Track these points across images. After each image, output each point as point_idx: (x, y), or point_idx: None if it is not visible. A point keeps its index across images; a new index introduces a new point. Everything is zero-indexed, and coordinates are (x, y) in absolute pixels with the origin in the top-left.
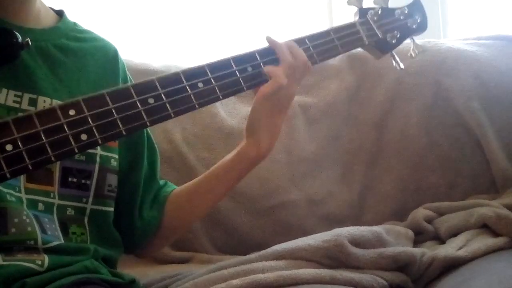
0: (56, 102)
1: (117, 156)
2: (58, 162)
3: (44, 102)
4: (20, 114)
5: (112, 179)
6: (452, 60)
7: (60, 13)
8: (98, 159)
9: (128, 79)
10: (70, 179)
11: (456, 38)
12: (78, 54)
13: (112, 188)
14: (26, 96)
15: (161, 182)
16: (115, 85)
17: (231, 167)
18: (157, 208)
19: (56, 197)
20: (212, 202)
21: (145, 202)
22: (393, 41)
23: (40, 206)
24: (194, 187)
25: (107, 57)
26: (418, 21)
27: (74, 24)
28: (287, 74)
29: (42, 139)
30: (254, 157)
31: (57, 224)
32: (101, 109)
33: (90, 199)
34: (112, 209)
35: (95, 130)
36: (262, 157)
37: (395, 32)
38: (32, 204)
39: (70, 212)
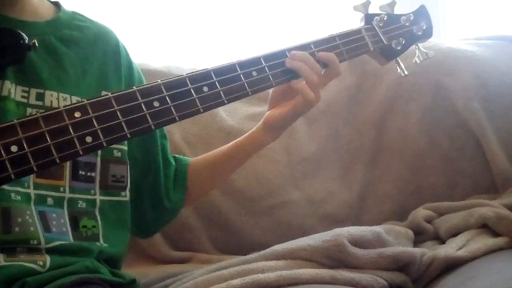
0: (63, 96)
1: (122, 147)
2: None
3: (51, 96)
4: (28, 108)
5: (116, 169)
6: (452, 60)
7: (56, 4)
8: (99, 151)
9: (133, 65)
10: (80, 172)
11: (456, 38)
12: (81, 45)
13: (117, 178)
14: (33, 91)
15: (171, 159)
16: (118, 73)
17: (244, 149)
18: (180, 187)
19: (67, 191)
20: (230, 172)
21: (169, 185)
22: (398, 48)
23: (49, 200)
24: (213, 162)
25: (109, 45)
26: (424, 28)
27: (74, 12)
28: (312, 87)
29: (47, 141)
30: (267, 143)
31: (67, 219)
32: (107, 112)
33: (97, 190)
34: (122, 198)
35: (100, 133)
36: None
37: (401, 38)
38: (41, 199)
39: (81, 205)
